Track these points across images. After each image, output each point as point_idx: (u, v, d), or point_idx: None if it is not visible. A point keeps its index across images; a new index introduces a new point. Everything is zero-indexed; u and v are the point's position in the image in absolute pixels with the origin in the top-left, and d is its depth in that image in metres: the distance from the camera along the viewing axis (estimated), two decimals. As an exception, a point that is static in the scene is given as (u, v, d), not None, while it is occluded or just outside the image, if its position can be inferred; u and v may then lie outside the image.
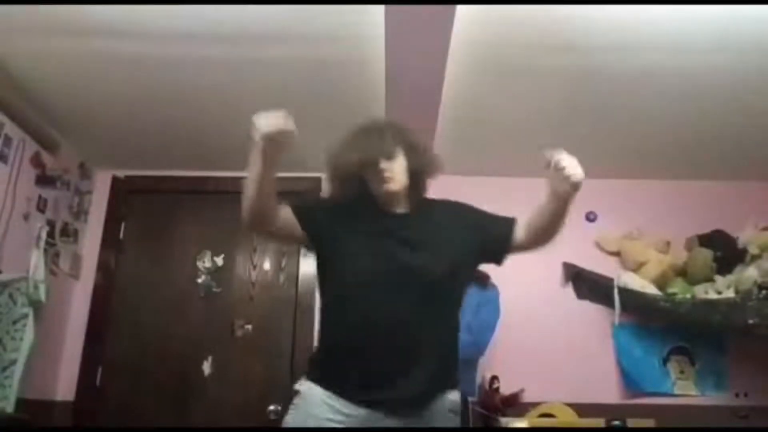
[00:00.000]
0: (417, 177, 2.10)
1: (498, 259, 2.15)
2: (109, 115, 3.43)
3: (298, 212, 2.05)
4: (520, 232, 2.07)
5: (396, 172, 2.02)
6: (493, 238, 2.08)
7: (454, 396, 1.99)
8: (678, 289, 3.58)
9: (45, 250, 3.38)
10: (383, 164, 2.00)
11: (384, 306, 1.90)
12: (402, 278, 1.92)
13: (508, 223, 2.09)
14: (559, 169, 1.83)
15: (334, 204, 2.13)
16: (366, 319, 1.91)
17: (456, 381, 2.05)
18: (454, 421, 1.99)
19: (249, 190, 1.89)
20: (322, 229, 2.06)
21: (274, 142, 1.79)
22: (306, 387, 1.96)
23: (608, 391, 3.66)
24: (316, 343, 3.60)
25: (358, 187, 2.07)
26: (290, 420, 1.95)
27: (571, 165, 1.83)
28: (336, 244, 2.02)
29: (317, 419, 1.88)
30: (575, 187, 1.84)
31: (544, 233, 2.04)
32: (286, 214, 2.04)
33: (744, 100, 3.13)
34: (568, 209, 1.95)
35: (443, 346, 1.97)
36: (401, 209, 2.09)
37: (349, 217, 2.07)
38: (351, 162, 2.01)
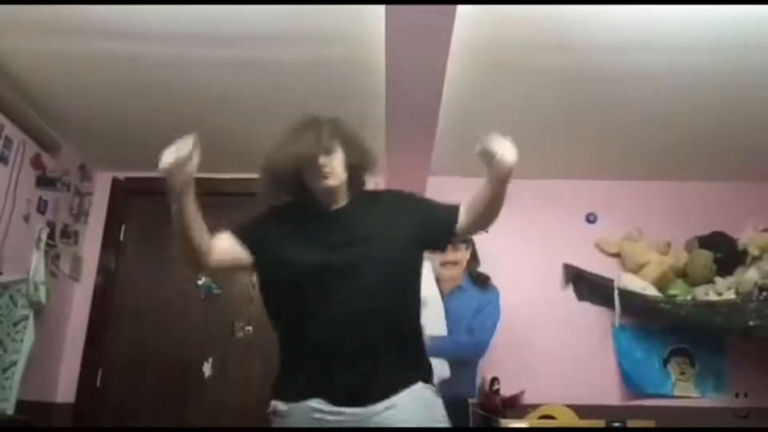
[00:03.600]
0: (356, 171, 2.08)
1: (440, 247, 2.18)
2: (110, 116, 3.43)
3: (238, 235, 2.02)
4: (462, 218, 2.04)
5: (335, 166, 1.99)
6: (437, 226, 2.05)
7: (424, 392, 1.92)
8: (678, 290, 3.59)
9: (45, 252, 3.38)
10: (322, 160, 1.97)
11: (324, 307, 1.87)
12: (339, 278, 1.88)
13: (452, 211, 2.04)
14: (491, 154, 1.85)
15: (271, 214, 2.10)
16: (309, 322, 1.88)
17: (420, 373, 1.96)
18: (432, 416, 1.94)
19: (174, 231, 1.88)
20: (263, 243, 2.01)
21: (176, 174, 1.78)
22: (286, 406, 1.90)
23: (609, 392, 3.66)
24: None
25: (293, 186, 2.04)
26: None
27: (503, 148, 1.85)
28: (272, 253, 1.98)
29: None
30: (509, 168, 1.88)
31: (483, 218, 2.02)
32: (226, 242, 2.01)
33: (744, 101, 3.13)
34: (506, 192, 1.95)
35: (395, 338, 1.92)
36: (340, 204, 2.07)
37: (285, 222, 2.04)
38: (289, 159, 1.97)
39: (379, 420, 1.85)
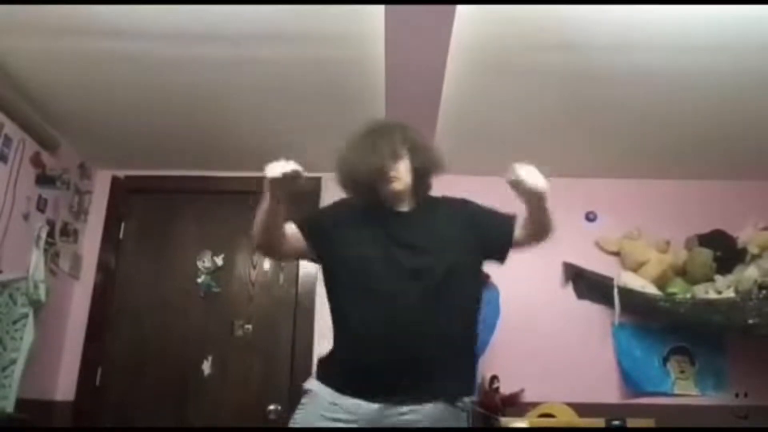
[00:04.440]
0: (421, 175, 2.12)
1: (500, 258, 2.17)
2: (109, 115, 3.42)
3: (301, 227, 2.12)
4: (518, 230, 2.09)
5: (401, 171, 2.06)
6: (495, 236, 2.11)
7: (462, 404, 1.97)
8: (678, 288, 3.58)
9: (45, 250, 3.37)
10: (388, 165, 2.02)
11: (387, 308, 1.91)
12: (404, 279, 1.93)
13: (510, 221, 2.12)
14: (519, 183, 1.87)
15: (337, 209, 2.19)
16: (370, 322, 1.92)
17: (471, 386, 2.04)
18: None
19: (257, 223, 2.01)
20: (326, 238, 2.10)
21: (280, 183, 1.88)
22: (315, 386, 1.97)
23: (608, 391, 3.66)
24: (315, 343, 3.64)
25: (363, 189, 2.11)
26: (298, 419, 1.96)
27: (531, 177, 1.88)
28: (339, 249, 2.06)
29: (324, 419, 1.88)
30: (540, 196, 1.91)
31: (535, 233, 2.10)
32: (290, 231, 2.10)
33: (744, 100, 3.12)
34: (547, 210, 2.01)
35: (454, 345, 1.96)
36: (405, 207, 2.12)
37: (351, 220, 2.11)
38: (360, 172, 2.04)
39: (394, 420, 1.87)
